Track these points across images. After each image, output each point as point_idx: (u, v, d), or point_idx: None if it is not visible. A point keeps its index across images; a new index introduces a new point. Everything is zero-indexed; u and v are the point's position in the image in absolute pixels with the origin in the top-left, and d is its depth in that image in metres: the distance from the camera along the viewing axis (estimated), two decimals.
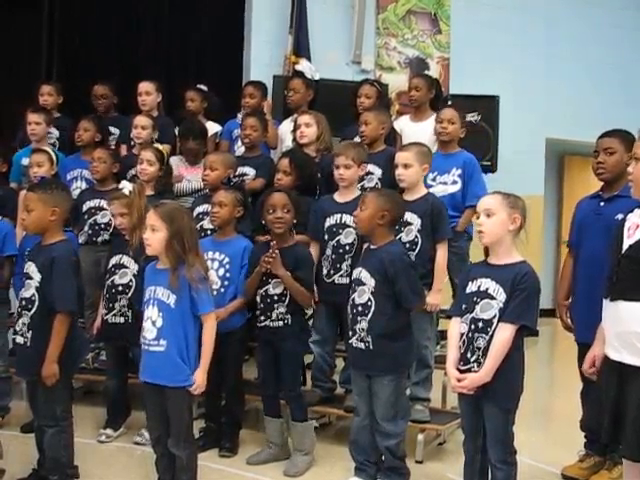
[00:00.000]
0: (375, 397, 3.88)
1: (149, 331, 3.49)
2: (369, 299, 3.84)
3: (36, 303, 3.67)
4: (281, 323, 4.25)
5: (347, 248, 4.51)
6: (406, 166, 4.44)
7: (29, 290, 3.70)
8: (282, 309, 4.23)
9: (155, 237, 3.46)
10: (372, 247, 3.93)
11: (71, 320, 3.67)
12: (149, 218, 3.50)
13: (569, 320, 4.32)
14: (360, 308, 3.87)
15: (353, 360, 4.00)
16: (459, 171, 5.01)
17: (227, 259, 4.43)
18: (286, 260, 4.21)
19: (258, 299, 4.27)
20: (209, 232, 4.69)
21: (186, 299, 3.45)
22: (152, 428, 3.69)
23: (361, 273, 3.90)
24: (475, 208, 3.48)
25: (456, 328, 3.42)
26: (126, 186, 4.49)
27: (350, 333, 3.92)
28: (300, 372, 4.48)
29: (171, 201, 3.87)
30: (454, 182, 5.01)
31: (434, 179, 4.93)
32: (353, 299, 3.91)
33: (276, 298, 4.24)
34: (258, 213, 4.49)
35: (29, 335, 3.66)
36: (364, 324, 3.84)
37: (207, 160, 5.05)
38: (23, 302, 3.73)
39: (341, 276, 4.49)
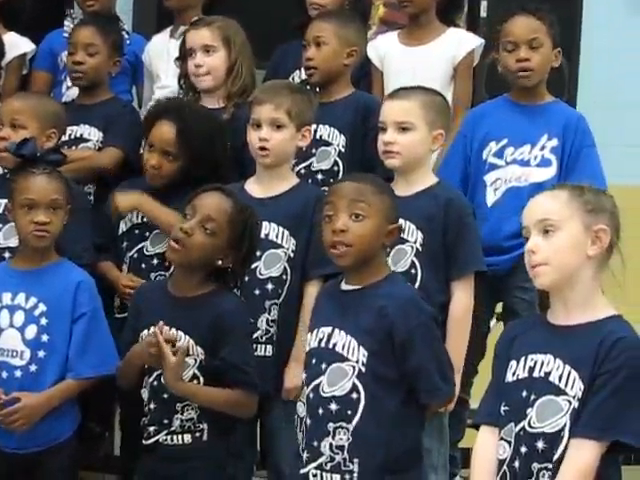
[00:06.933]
0: None
1: None
2: (354, 388, 2.85)
3: None
4: (189, 438, 3.24)
5: (269, 288, 3.44)
6: (403, 128, 3.28)
7: None
8: (191, 412, 3.22)
9: None
10: (353, 288, 2.93)
11: None
12: None
13: None
14: (333, 406, 2.87)
15: None
16: (554, 141, 3.69)
17: (42, 307, 3.40)
18: (197, 331, 3.13)
19: (145, 393, 3.25)
20: (7, 254, 3.58)
21: None
22: None
23: (333, 337, 2.90)
24: None
25: (490, 448, 2.58)
26: None
27: (306, 455, 2.88)
28: None
29: None
30: (544, 162, 3.70)
31: (501, 154, 3.65)
32: (317, 388, 2.88)
33: None
34: (107, 217, 3.57)
35: None
36: (342, 437, 2.83)
37: (4, 110, 3.80)
38: None
39: (257, 342, 3.40)
